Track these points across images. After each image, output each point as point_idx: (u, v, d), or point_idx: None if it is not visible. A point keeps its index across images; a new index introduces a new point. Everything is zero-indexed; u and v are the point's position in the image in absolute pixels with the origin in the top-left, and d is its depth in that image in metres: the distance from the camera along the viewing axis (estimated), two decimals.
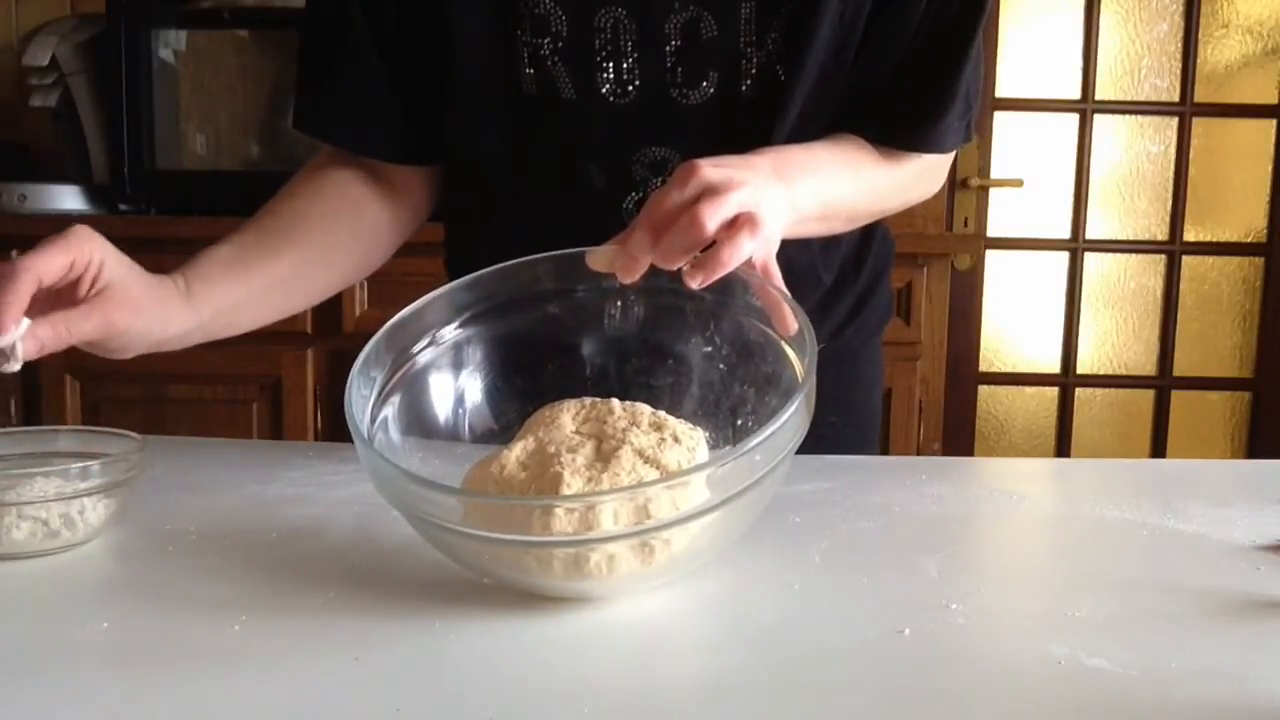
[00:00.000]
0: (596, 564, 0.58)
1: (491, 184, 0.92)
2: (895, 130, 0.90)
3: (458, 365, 0.74)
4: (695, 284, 0.65)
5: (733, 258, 0.65)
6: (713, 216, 0.64)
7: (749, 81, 0.86)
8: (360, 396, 0.66)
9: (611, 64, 0.85)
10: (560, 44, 0.85)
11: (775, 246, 0.72)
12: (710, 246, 0.65)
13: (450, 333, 0.74)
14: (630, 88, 0.86)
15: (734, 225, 0.66)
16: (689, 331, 0.73)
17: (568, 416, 0.66)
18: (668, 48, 0.85)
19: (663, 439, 0.63)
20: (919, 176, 0.95)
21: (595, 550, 0.57)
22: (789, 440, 0.59)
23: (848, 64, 0.87)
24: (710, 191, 0.66)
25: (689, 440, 0.64)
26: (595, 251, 0.69)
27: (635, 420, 0.64)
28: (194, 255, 0.84)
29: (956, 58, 0.88)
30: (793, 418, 0.59)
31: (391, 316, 0.70)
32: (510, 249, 0.74)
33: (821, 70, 0.86)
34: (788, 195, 0.74)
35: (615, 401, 0.66)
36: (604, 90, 0.86)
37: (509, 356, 0.75)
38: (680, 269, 0.66)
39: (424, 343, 0.73)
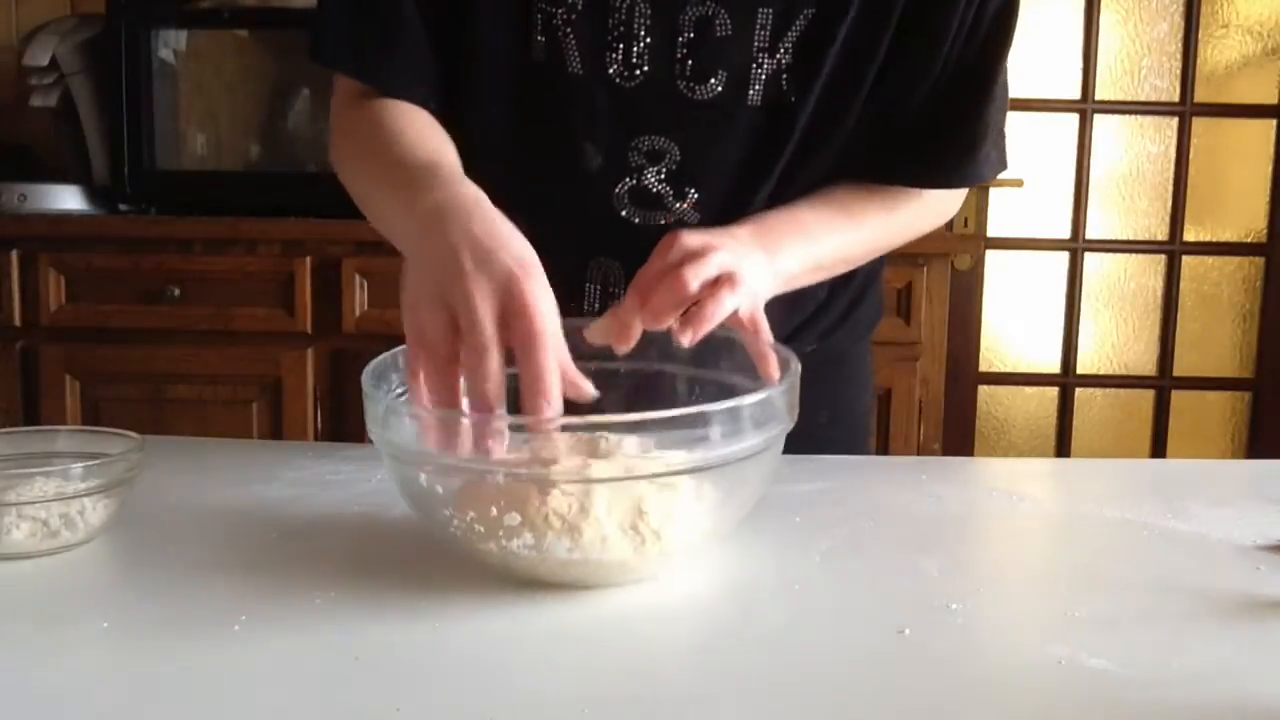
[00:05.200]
0: (590, 541, 0.60)
1: (491, 160, 0.90)
2: (934, 169, 0.91)
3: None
4: (685, 341, 0.70)
5: (716, 313, 0.70)
6: (694, 276, 0.70)
7: (757, 87, 0.86)
8: (378, 381, 0.69)
9: (622, 45, 0.85)
10: (574, 15, 0.85)
11: (760, 301, 0.76)
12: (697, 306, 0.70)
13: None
14: (638, 72, 0.86)
15: (716, 284, 0.71)
16: (677, 398, 0.77)
17: (561, 438, 0.67)
18: (680, 39, 0.85)
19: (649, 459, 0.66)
20: (926, 210, 0.95)
21: (589, 527, 0.60)
22: (765, 415, 0.63)
23: (859, 96, 0.86)
24: (691, 256, 0.72)
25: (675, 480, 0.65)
26: (593, 326, 0.73)
27: (625, 446, 0.68)
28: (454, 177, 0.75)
29: (985, 87, 0.89)
30: (766, 402, 0.63)
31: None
32: None
33: (828, 95, 0.86)
34: (769, 262, 0.80)
35: (607, 433, 0.69)
36: (611, 70, 0.86)
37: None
38: (671, 330, 0.71)
39: None
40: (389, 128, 0.84)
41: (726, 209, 0.88)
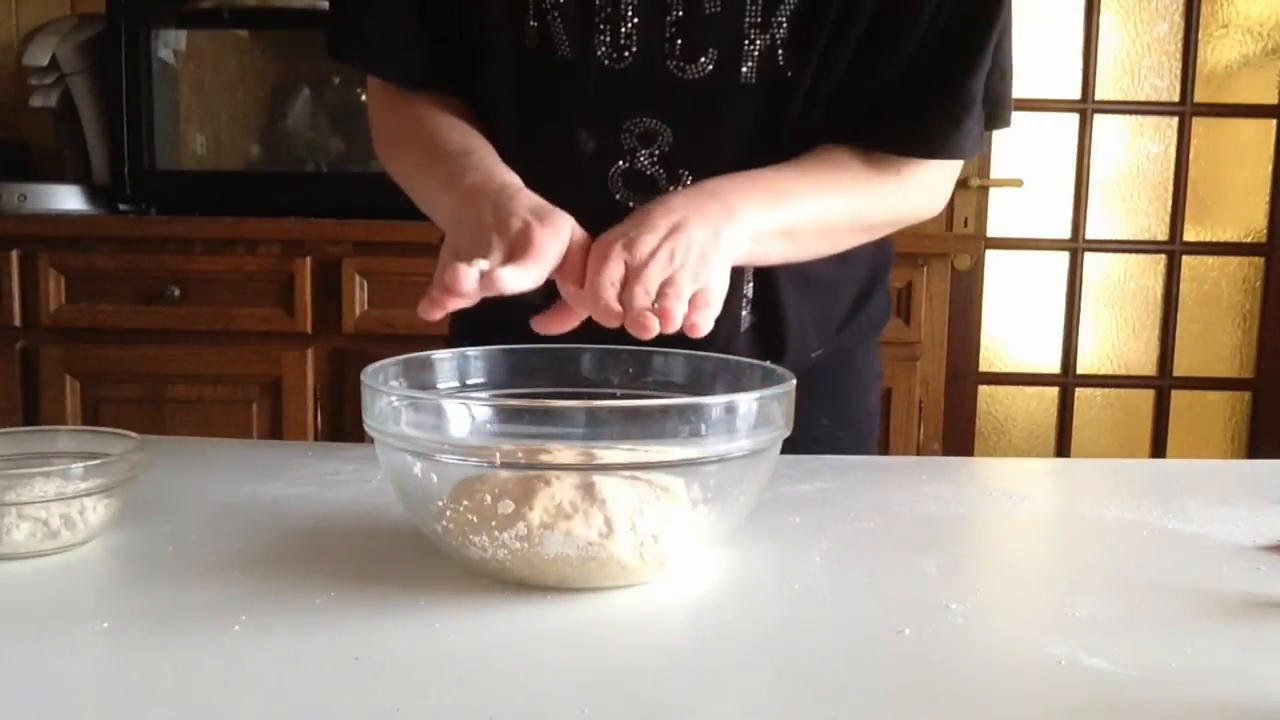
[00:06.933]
0: (583, 535, 0.60)
1: (496, 145, 0.89)
2: (911, 136, 0.87)
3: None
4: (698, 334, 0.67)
5: (670, 325, 0.66)
6: (643, 307, 0.67)
7: (750, 64, 0.84)
8: (377, 376, 0.69)
9: (609, 27, 0.84)
10: (561, 0, 0.85)
11: (724, 279, 0.72)
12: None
13: (456, 385, 0.77)
14: (626, 53, 0.85)
15: (662, 297, 0.67)
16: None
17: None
18: (668, 17, 0.84)
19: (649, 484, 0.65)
20: (907, 191, 0.90)
21: (582, 521, 0.61)
22: (760, 418, 0.63)
23: (845, 64, 0.85)
24: (632, 276, 0.68)
25: (672, 485, 0.65)
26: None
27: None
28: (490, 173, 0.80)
29: (973, 56, 0.85)
30: (761, 403, 0.63)
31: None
32: None
33: (824, 69, 0.85)
34: (729, 221, 0.75)
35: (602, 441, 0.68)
36: (599, 53, 0.85)
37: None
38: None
39: (439, 383, 0.77)
40: (423, 119, 0.89)
41: None
